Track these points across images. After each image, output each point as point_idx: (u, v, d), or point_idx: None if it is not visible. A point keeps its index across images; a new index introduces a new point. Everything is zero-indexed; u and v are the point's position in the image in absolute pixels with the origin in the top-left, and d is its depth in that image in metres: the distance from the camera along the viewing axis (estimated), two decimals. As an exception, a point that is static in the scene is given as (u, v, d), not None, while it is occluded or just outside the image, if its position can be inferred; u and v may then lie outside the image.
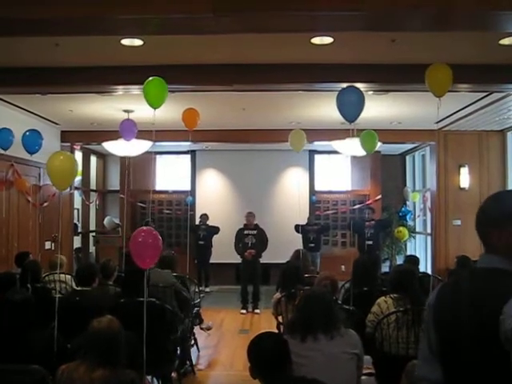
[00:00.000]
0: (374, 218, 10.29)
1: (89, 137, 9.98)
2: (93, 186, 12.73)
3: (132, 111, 7.82)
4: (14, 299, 3.33)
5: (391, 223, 10.83)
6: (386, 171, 12.65)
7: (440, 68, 4.62)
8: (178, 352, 4.97)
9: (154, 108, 4.87)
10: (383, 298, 4.22)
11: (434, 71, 4.63)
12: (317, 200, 12.63)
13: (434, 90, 4.68)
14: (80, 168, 11.67)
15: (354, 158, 11.64)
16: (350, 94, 4.95)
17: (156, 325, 3.94)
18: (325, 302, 3.25)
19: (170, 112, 7.55)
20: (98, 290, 4.67)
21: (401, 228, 10.83)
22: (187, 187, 12.66)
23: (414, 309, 3.94)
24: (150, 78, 4.83)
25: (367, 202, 11.97)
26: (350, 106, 4.88)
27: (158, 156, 12.82)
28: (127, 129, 6.37)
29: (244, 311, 9.20)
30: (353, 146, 6.68)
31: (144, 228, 3.95)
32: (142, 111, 7.52)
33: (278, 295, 5.26)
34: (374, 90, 6.36)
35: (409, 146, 11.92)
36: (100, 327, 2.77)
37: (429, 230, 10.84)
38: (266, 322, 7.71)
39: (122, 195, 10.19)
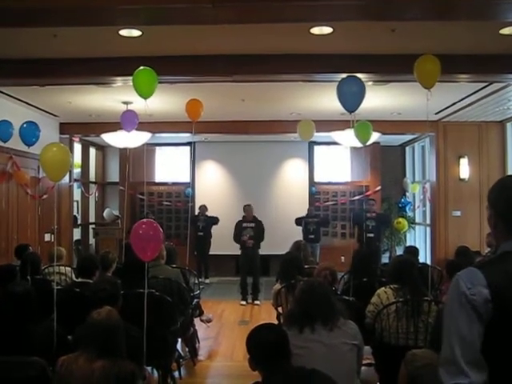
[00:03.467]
0: (376, 211, 10.25)
1: (88, 129, 9.97)
2: (92, 178, 12.71)
3: (131, 103, 7.79)
4: (16, 291, 3.32)
5: (391, 220, 10.80)
6: (386, 162, 12.63)
7: (428, 60, 4.61)
8: (178, 343, 4.98)
9: (145, 98, 4.87)
10: (383, 288, 4.22)
11: (422, 63, 4.63)
12: (316, 191, 12.63)
13: (422, 82, 4.68)
14: (79, 160, 11.65)
15: (353, 149, 11.62)
16: (351, 83, 4.93)
17: (155, 316, 3.94)
18: (323, 293, 3.24)
19: (169, 103, 7.54)
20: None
21: (400, 219, 10.82)
22: (187, 179, 12.66)
23: (414, 299, 3.94)
24: (139, 68, 4.80)
25: (367, 193, 11.96)
26: (351, 96, 4.86)
27: (157, 148, 12.81)
28: (128, 120, 6.34)
29: (244, 302, 9.21)
30: (352, 137, 6.65)
31: (145, 220, 3.94)
32: (140, 103, 7.49)
33: (277, 286, 5.26)
34: (373, 81, 6.34)
35: (408, 137, 11.90)
36: (99, 318, 2.76)
37: (428, 221, 10.85)
38: (266, 313, 7.73)
39: (121, 187, 10.16)
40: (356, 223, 10.37)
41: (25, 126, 6.95)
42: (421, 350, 2.82)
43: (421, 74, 4.66)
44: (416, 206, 12.28)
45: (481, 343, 1.53)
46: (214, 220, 11.13)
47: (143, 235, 3.72)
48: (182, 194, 12.69)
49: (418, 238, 12.22)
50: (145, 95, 4.88)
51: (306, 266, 5.75)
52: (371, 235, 9.62)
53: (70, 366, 2.68)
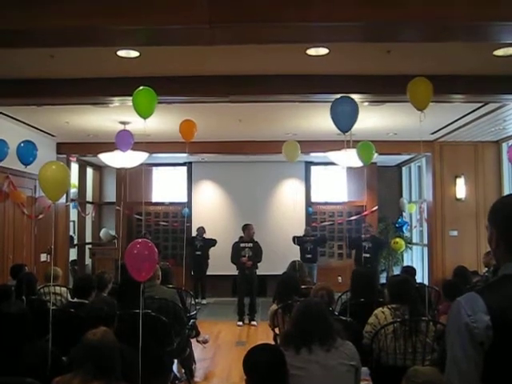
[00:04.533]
0: (373, 234, 10.20)
1: (85, 148, 9.98)
2: (89, 198, 12.69)
3: (128, 123, 7.82)
4: (10, 312, 3.29)
5: (386, 244, 10.76)
6: (383, 182, 12.66)
7: (420, 82, 4.66)
8: (174, 364, 4.93)
9: (144, 118, 4.88)
10: (380, 308, 4.20)
11: (414, 86, 4.68)
12: (313, 211, 12.63)
13: (415, 104, 4.72)
14: (76, 180, 11.64)
15: (350, 169, 11.65)
16: (344, 104, 4.96)
17: (151, 337, 3.90)
18: (320, 313, 3.22)
19: (166, 124, 7.56)
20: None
21: (397, 239, 10.81)
22: (184, 199, 12.67)
23: (412, 319, 3.92)
24: (139, 88, 4.83)
25: (364, 213, 11.97)
26: (344, 116, 4.89)
27: (154, 168, 12.82)
28: (123, 139, 6.35)
29: (240, 323, 9.15)
30: (349, 157, 6.68)
31: (139, 240, 3.91)
32: (138, 123, 7.50)
33: (274, 307, 5.23)
34: (369, 101, 6.38)
35: (405, 157, 11.95)
36: (95, 339, 2.74)
37: (425, 241, 10.84)
38: (263, 333, 7.67)
39: (118, 207, 10.15)
40: (353, 248, 10.35)
41: (22, 145, 6.95)
42: (423, 367, 2.79)
43: (414, 96, 4.70)
44: (413, 226, 12.29)
45: (480, 372, 1.52)
46: (213, 242, 11.12)
47: (138, 255, 3.69)
48: (179, 214, 12.67)
49: (415, 258, 12.19)
50: (144, 115, 4.89)
51: (302, 286, 5.72)
52: (367, 255, 9.59)
53: (64, 387, 2.65)
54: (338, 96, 5.21)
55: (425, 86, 4.66)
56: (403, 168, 13.01)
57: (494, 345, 1.51)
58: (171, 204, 12.96)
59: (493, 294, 1.60)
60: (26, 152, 6.89)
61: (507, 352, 1.51)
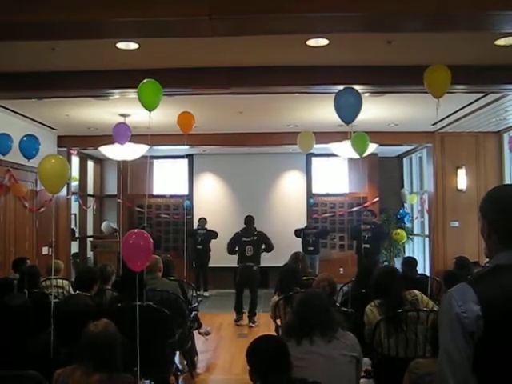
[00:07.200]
0: (372, 221, 10.17)
1: (85, 141, 9.98)
2: (90, 190, 12.69)
3: (128, 115, 7.80)
4: (12, 304, 3.30)
5: (386, 234, 10.73)
6: (384, 173, 12.65)
7: (439, 69, 4.63)
8: (177, 356, 4.94)
9: (149, 110, 4.86)
10: (369, 306, 4.15)
11: (432, 72, 4.65)
12: (315, 203, 12.63)
13: (433, 91, 4.68)
14: (77, 173, 11.64)
15: (351, 160, 11.64)
16: (348, 95, 4.94)
17: (153, 329, 3.92)
18: (321, 304, 3.22)
19: (166, 116, 7.54)
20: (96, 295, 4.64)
21: (399, 230, 10.81)
22: (185, 191, 12.67)
23: (397, 316, 3.88)
24: (144, 81, 4.82)
25: (365, 205, 11.95)
26: (348, 108, 4.87)
27: (155, 160, 12.81)
28: (120, 132, 6.34)
29: (238, 321, 8.71)
30: (350, 149, 6.66)
31: (135, 230, 3.90)
32: (138, 115, 7.52)
33: (276, 298, 5.24)
34: (370, 92, 6.35)
35: (406, 148, 11.93)
36: (96, 331, 2.74)
37: (427, 232, 10.85)
38: (265, 325, 7.68)
39: (119, 200, 10.15)
40: (354, 238, 10.33)
41: (25, 139, 6.93)
42: (425, 360, 2.81)
43: (431, 83, 4.66)
44: (414, 217, 12.28)
45: (472, 363, 1.52)
46: (213, 235, 11.11)
47: (132, 246, 3.69)
48: (180, 207, 12.67)
49: (417, 249, 12.21)
50: (150, 107, 4.87)
51: (304, 278, 5.73)
52: (367, 246, 9.55)
53: (66, 379, 2.66)
54: (339, 87, 5.21)
55: (443, 74, 4.62)
56: (404, 159, 13.00)
57: (485, 335, 1.51)
58: (172, 196, 12.96)
59: (484, 284, 1.60)
60: (29, 146, 6.89)
61: (497, 342, 1.52)
